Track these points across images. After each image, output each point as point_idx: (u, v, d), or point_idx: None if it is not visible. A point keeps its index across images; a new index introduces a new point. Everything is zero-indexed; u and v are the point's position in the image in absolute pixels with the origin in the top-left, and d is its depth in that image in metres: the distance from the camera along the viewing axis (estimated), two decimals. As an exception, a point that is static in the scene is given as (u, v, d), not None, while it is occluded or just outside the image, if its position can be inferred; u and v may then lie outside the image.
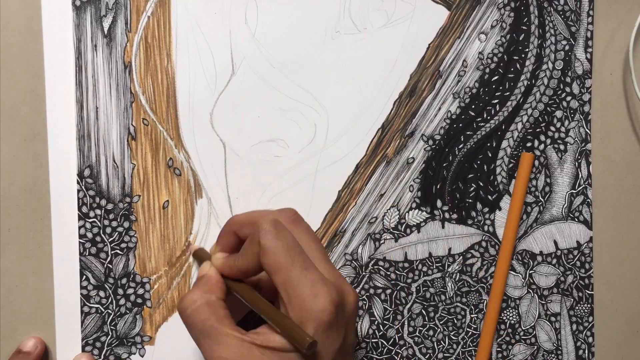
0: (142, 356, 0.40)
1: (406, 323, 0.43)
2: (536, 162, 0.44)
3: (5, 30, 0.39)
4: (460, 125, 0.44)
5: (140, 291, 0.40)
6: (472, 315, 0.44)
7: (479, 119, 0.44)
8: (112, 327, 0.40)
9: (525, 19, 0.44)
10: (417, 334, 0.43)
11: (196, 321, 0.33)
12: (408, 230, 0.43)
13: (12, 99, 0.39)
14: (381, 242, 0.43)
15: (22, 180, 0.39)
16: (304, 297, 0.31)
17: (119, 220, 0.40)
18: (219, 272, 0.36)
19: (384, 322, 0.43)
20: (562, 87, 0.44)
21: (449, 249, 0.44)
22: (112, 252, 0.40)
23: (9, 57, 0.39)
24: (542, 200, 0.44)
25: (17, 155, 0.39)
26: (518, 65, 0.44)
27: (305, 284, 0.32)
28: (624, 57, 0.45)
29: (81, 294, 0.40)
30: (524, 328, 0.44)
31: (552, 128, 0.44)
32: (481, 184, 0.44)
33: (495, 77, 0.44)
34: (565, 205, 0.45)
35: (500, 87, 0.44)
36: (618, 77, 0.45)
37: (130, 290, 0.40)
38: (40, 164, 0.39)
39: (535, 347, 0.44)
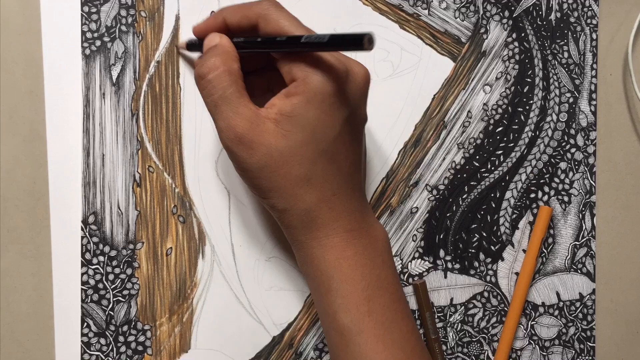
0: (142, 404, 0.40)
1: (407, 373, 0.43)
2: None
3: (5, 31, 0.39)
4: (465, 175, 0.44)
5: (142, 338, 0.40)
6: (473, 367, 0.44)
7: (483, 170, 0.44)
8: (112, 374, 0.40)
9: (530, 72, 0.44)
10: (418, 384, 0.43)
11: (217, 87, 0.32)
12: (410, 280, 0.43)
13: (12, 99, 0.39)
14: (383, 291, 0.43)
15: (22, 181, 0.40)
16: (308, 57, 0.31)
17: (122, 267, 0.40)
18: (205, 28, 0.35)
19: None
20: (566, 139, 0.45)
21: (451, 299, 0.44)
22: (114, 299, 0.40)
23: (9, 58, 0.39)
24: (545, 251, 0.44)
25: (16, 155, 0.39)
26: (522, 117, 0.44)
27: None
28: (624, 58, 0.45)
29: (82, 341, 0.40)
30: (525, 380, 0.44)
31: (556, 179, 0.45)
32: (484, 234, 0.44)
33: (500, 128, 0.44)
34: (569, 256, 0.45)
35: (505, 138, 0.44)
36: (618, 78, 0.45)
37: (132, 338, 0.40)
38: (39, 164, 0.40)
39: (537, 399, 0.44)
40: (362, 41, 0.27)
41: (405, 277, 0.43)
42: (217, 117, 0.32)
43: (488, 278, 0.44)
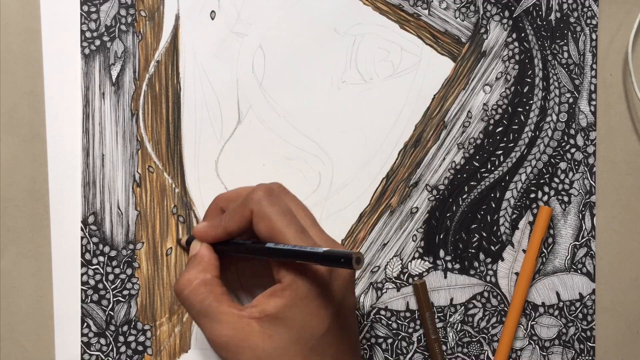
0: (142, 404, 0.40)
1: (407, 373, 0.43)
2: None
3: (4, 31, 0.39)
4: (465, 175, 0.44)
5: (142, 338, 0.40)
6: (473, 367, 0.44)
7: (483, 170, 0.44)
8: (112, 375, 0.40)
9: (530, 72, 0.44)
10: (418, 384, 0.43)
11: (194, 301, 0.33)
12: (410, 280, 0.43)
13: (12, 99, 0.39)
14: (383, 291, 0.43)
15: (21, 180, 0.40)
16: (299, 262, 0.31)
17: (121, 267, 0.40)
18: (205, 237, 0.35)
19: (385, 372, 0.43)
20: (566, 139, 0.45)
21: (451, 299, 0.44)
22: (114, 299, 0.40)
23: (9, 58, 0.39)
24: (545, 251, 0.44)
25: (16, 155, 0.39)
26: (522, 117, 0.44)
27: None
28: (624, 58, 0.45)
29: (82, 341, 0.40)
30: (525, 380, 0.44)
31: (556, 180, 0.45)
32: (484, 234, 0.44)
33: (500, 128, 0.44)
34: (569, 257, 0.45)
35: (505, 138, 0.44)
36: (618, 78, 0.45)
37: (132, 338, 0.40)
38: (39, 164, 0.39)
39: (537, 399, 0.44)
40: (350, 261, 0.28)
41: (406, 277, 0.43)
42: (202, 328, 0.33)
43: (488, 278, 0.44)
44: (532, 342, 0.44)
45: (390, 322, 0.43)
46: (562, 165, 0.45)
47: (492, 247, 0.44)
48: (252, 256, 0.34)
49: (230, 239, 0.35)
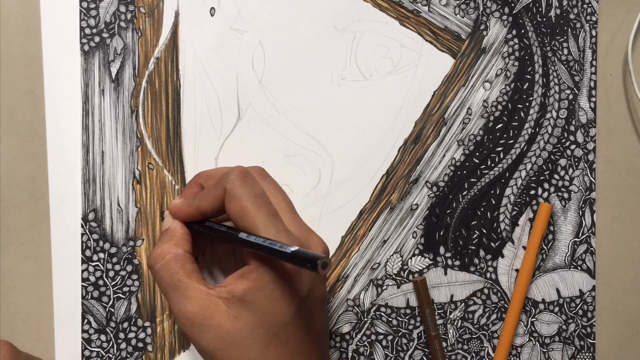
0: (142, 401, 0.40)
1: (407, 370, 0.43)
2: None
3: (4, 31, 0.39)
4: (465, 172, 0.44)
5: (142, 335, 0.40)
6: (473, 363, 0.44)
7: (483, 166, 0.44)
8: (112, 372, 0.40)
9: (530, 68, 0.44)
10: (418, 381, 0.43)
11: (165, 275, 0.33)
12: (410, 277, 0.43)
13: (12, 99, 0.39)
14: (383, 288, 0.43)
15: (21, 181, 0.40)
16: None
17: (122, 264, 0.40)
18: (178, 214, 0.35)
19: (385, 369, 0.43)
20: (566, 136, 0.45)
21: (451, 296, 0.44)
22: (115, 295, 0.40)
23: (9, 58, 0.39)
24: (545, 248, 0.44)
25: (16, 155, 0.39)
26: (522, 114, 0.44)
27: (270, 232, 0.32)
28: (624, 58, 0.45)
29: (82, 337, 0.40)
30: (525, 377, 0.44)
31: (556, 176, 0.45)
32: (484, 231, 0.44)
33: (500, 125, 0.44)
34: (569, 253, 0.45)
35: (505, 135, 0.44)
36: (618, 78, 0.45)
37: (132, 335, 0.40)
38: (39, 164, 0.39)
39: (537, 396, 0.44)
40: (316, 265, 0.28)
41: (406, 274, 0.43)
42: (170, 302, 0.33)
43: (488, 275, 0.44)
44: (533, 339, 0.44)
45: (390, 319, 0.43)
46: (562, 161, 0.45)
47: (492, 244, 0.44)
48: (223, 241, 0.34)
49: (203, 218, 0.35)
